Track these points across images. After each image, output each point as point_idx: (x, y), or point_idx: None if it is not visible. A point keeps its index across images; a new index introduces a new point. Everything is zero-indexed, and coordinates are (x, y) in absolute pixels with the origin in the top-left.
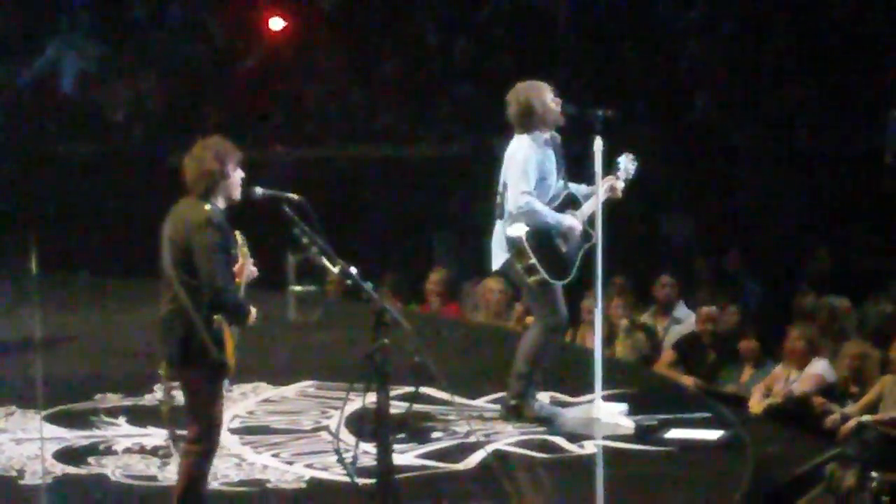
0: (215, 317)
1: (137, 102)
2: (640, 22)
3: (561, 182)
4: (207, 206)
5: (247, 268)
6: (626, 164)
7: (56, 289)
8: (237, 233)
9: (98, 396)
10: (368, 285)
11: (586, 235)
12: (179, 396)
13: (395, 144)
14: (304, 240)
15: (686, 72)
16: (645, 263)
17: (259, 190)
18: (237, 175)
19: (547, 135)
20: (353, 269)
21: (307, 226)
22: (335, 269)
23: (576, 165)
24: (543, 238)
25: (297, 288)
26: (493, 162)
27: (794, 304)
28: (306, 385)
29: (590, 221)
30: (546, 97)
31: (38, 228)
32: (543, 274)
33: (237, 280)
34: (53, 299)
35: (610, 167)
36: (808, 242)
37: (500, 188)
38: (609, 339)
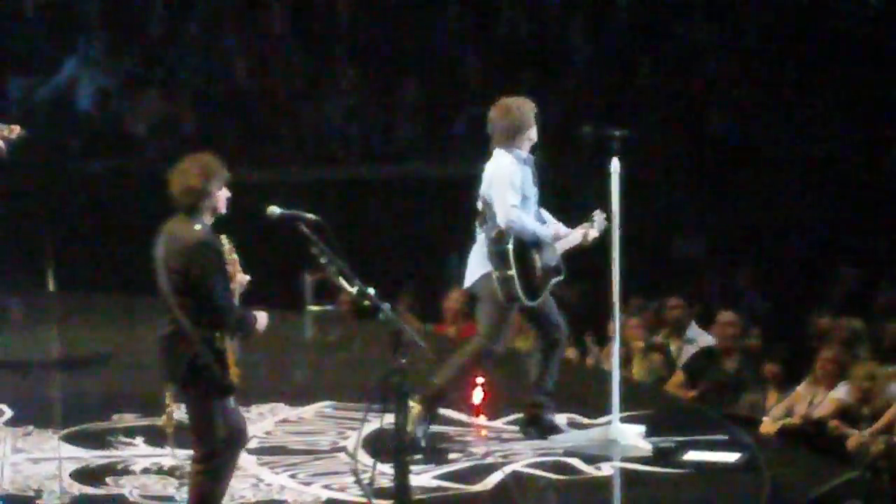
0: (216, 335)
1: (161, 119)
2: (655, 40)
3: (536, 207)
4: (198, 226)
5: (238, 275)
6: (600, 220)
7: (73, 307)
8: (224, 237)
9: (115, 416)
10: (386, 305)
11: (558, 270)
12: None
13: (413, 164)
14: (322, 259)
15: (702, 90)
16: (661, 285)
17: (276, 210)
18: (223, 193)
19: (526, 154)
20: (371, 289)
21: (324, 245)
22: (352, 289)
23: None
24: (525, 255)
25: (315, 308)
26: None
27: (810, 324)
28: (324, 405)
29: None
30: (533, 115)
31: (55, 246)
32: (517, 289)
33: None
34: (71, 318)
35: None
36: (827, 262)
37: (480, 205)
38: (625, 362)
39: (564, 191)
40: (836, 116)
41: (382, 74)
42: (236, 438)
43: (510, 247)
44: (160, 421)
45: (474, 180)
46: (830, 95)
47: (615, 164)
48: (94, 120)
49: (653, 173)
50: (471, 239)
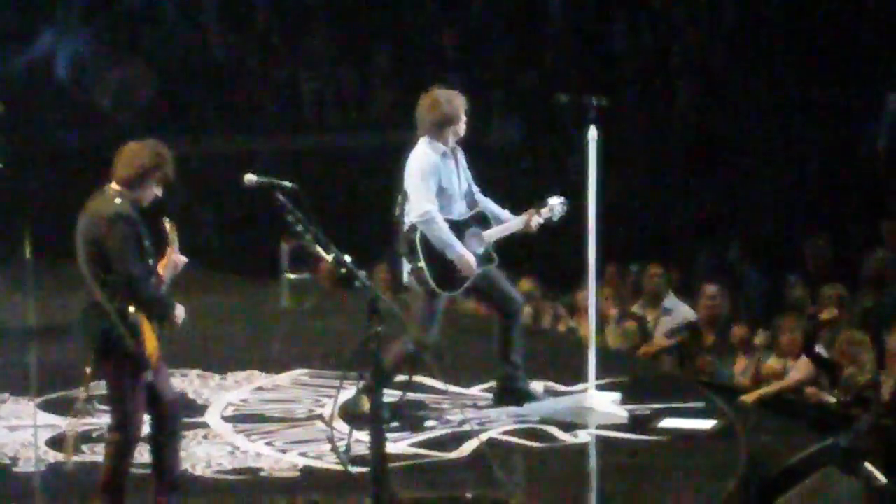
0: (130, 309)
1: (126, 91)
2: (633, 9)
3: (472, 196)
4: (118, 200)
5: (172, 257)
6: (556, 205)
7: (49, 275)
8: (166, 220)
9: (92, 384)
10: (362, 273)
11: (488, 258)
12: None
13: (388, 132)
14: (298, 227)
15: (679, 59)
16: (636, 253)
17: (253, 177)
18: (156, 190)
19: (447, 147)
20: (347, 257)
21: (301, 213)
22: (329, 257)
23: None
24: (434, 246)
25: (291, 275)
26: (480, 151)
27: (785, 294)
28: (300, 373)
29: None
30: (463, 111)
31: (31, 214)
32: (429, 280)
33: (160, 271)
34: (47, 285)
35: (605, 158)
36: (804, 232)
37: (401, 197)
38: (600, 329)
39: (541, 160)
40: (813, 92)
41: (358, 42)
42: (165, 408)
43: (417, 238)
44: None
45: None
46: (809, 71)
47: (592, 132)
48: (69, 91)
49: (631, 142)
50: None
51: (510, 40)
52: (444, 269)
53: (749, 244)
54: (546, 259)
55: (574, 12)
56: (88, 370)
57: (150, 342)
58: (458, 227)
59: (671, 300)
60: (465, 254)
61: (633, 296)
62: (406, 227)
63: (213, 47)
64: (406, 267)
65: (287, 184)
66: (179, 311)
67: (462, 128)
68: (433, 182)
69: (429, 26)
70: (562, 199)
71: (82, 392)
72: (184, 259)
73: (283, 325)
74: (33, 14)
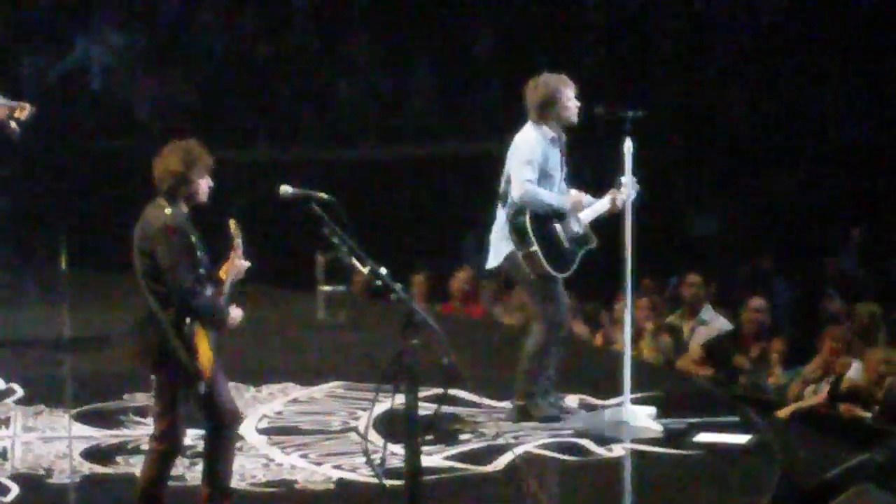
0: (186, 321)
1: (164, 99)
2: (671, 19)
3: (564, 185)
4: (168, 210)
5: (234, 262)
6: (629, 182)
7: (86, 286)
8: (232, 221)
9: (126, 395)
10: (398, 286)
11: (586, 239)
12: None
13: (426, 143)
14: (334, 239)
15: (716, 71)
16: (673, 265)
17: (288, 189)
18: (204, 182)
19: (555, 133)
20: (383, 270)
21: (336, 225)
22: (364, 269)
23: (604, 167)
24: (544, 227)
25: (326, 288)
26: None
27: (820, 307)
28: (335, 385)
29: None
30: (570, 93)
31: (67, 226)
32: (543, 263)
33: (222, 276)
34: (83, 297)
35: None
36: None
37: (503, 180)
38: (635, 342)
39: (578, 172)
40: (853, 97)
41: (397, 53)
42: (223, 419)
43: (527, 222)
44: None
45: (488, 159)
46: (847, 75)
47: (628, 145)
48: (105, 99)
49: (668, 153)
50: (485, 219)
51: (548, 50)
52: (554, 250)
53: (782, 257)
54: (582, 271)
55: (611, 21)
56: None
57: (205, 354)
58: (559, 211)
59: (708, 311)
60: (575, 199)
61: (670, 309)
62: (511, 213)
63: (251, 56)
64: (497, 256)
65: (323, 195)
66: (236, 314)
67: (568, 111)
68: (536, 164)
69: (466, 36)
70: (633, 178)
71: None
72: (246, 263)
73: (318, 337)
74: (69, 22)
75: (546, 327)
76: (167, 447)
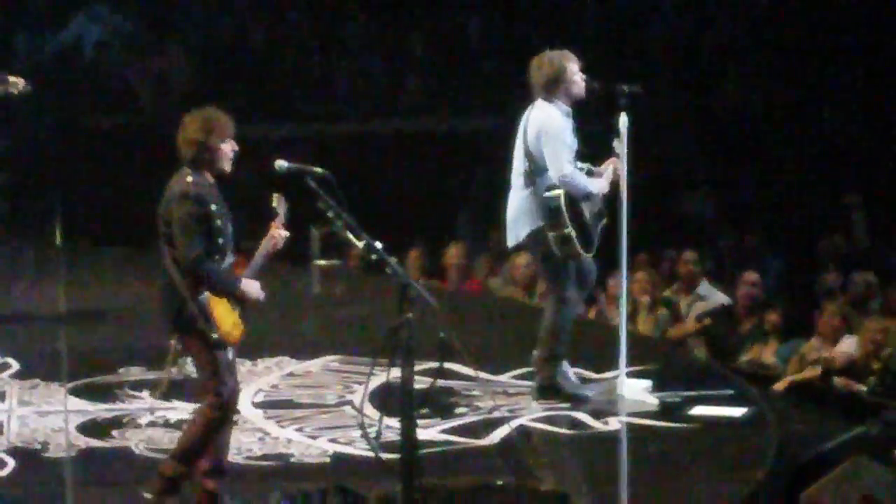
0: (200, 288)
1: (164, 78)
2: None
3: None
4: (189, 178)
5: (272, 231)
6: (621, 150)
7: (80, 261)
8: (274, 195)
9: (122, 370)
10: (393, 260)
11: (602, 214)
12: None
13: (419, 119)
14: (329, 213)
15: (712, 47)
16: (667, 240)
17: (283, 163)
18: (227, 147)
19: (567, 107)
20: (378, 244)
21: (331, 199)
22: (360, 244)
23: (600, 141)
24: (577, 209)
25: (321, 262)
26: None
27: (818, 280)
28: (330, 359)
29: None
30: (576, 68)
31: (61, 200)
32: (576, 245)
33: (265, 247)
34: (78, 271)
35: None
36: (833, 219)
37: (523, 157)
38: (631, 316)
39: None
40: (845, 81)
41: (390, 30)
42: (221, 394)
43: (562, 204)
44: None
45: (481, 135)
46: (839, 60)
47: (624, 120)
48: (100, 75)
49: (662, 130)
50: (479, 194)
51: (544, 28)
52: (582, 231)
53: (773, 232)
54: None
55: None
56: (173, 344)
57: (226, 320)
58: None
59: (705, 286)
60: (602, 185)
61: (666, 282)
62: (545, 193)
63: (247, 35)
64: (518, 235)
65: (318, 170)
66: (250, 287)
67: (576, 86)
68: (568, 143)
69: (461, 14)
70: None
71: (168, 365)
72: (285, 233)
73: (313, 311)
74: None
75: (561, 305)
76: (220, 415)
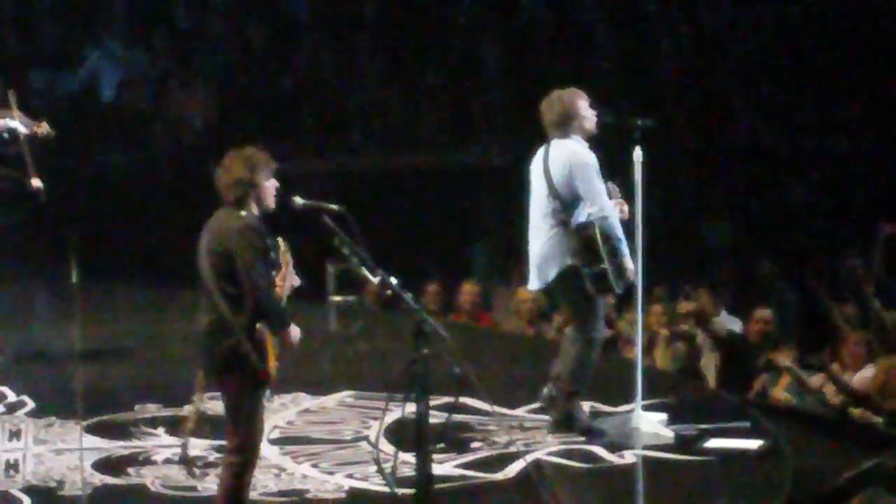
0: (258, 325)
1: (182, 115)
2: (678, 29)
3: None
4: (244, 213)
5: (289, 276)
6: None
7: (96, 299)
8: (280, 240)
9: (138, 407)
10: (408, 296)
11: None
12: (213, 407)
13: (435, 154)
14: (345, 250)
15: (725, 80)
16: (684, 273)
17: (299, 200)
18: (270, 184)
19: (586, 143)
20: (394, 280)
21: (347, 236)
22: (375, 280)
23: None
24: (610, 245)
25: (337, 298)
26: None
27: (832, 313)
28: (346, 395)
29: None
30: (586, 104)
31: (78, 238)
32: (611, 280)
33: (279, 288)
34: (94, 309)
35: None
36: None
37: (547, 196)
38: (648, 349)
39: None
40: (857, 106)
41: (405, 64)
42: (250, 437)
43: (598, 237)
44: (184, 411)
45: (495, 170)
46: (851, 84)
47: (638, 154)
48: (116, 113)
49: (677, 162)
50: (494, 228)
51: (556, 61)
52: (614, 267)
53: (785, 262)
54: None
55: (619, 31)
56: (198, 387)
57: (272, 359)
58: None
59: (724, 317)
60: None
61: (683, 316)
62: (580, 231)
63: (262, 69)
64: (544, 276)
65: (333, 206)
66: (295, 332)
67: (589, 122)
68: (600, 177)
69: (473, 46)
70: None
71: (196, 400)
72: (298, 280)
73: (329, 347)
74: (80, 36)
75: (587, 346)
76: (244, 459)
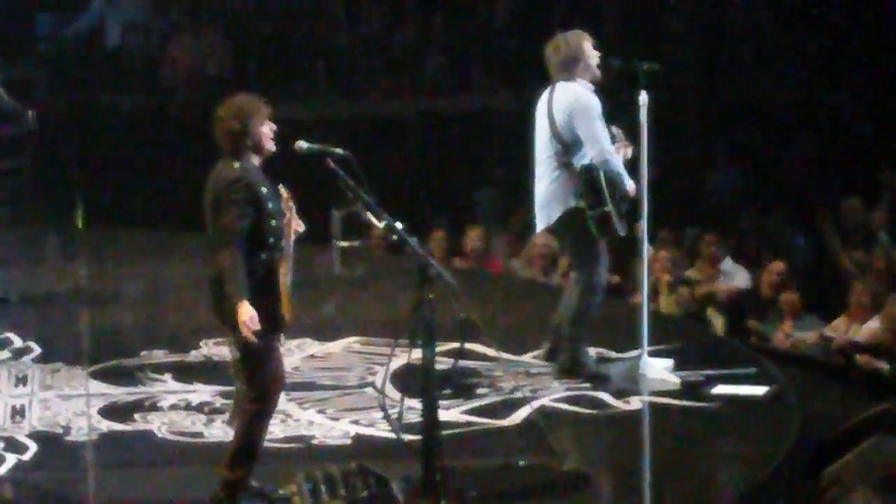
0: (271, 268)
1: (191, 57)
2: None
3: None
4: (237, 164)
5: (293, 222)
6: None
7: (101, 243)
8: (281, 187)
9: (144, 353)
10: (413, 240)
11: (628, 194)
12: (220, 353)
13: (439, 98)
14: (349, 194)
15: (732, 25)
16: (690, 218)
17: (304, 144)
18: (266, 129)
19: (592, 85)
20: (399, 224)
21: (352, 180)
22: (380, 224)
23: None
24: (613, 188)
25: (342, 243)
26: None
27: (841, 257)
28: (352, 341)
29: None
30: (591, 46)
31: (83, 183)
32: (614, 223)
33: (287, 235)
34: (99, 254)
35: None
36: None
37: (550, 139)
38: (653, 295)
39: None
40: (861, 63)
41: (411, 10)
42: (281, 378)
43: (602, 179)
44: (191, 357)
45: (501, 116)
46: (857, 43)
47: (643, 98)
48: (122, 56)
49: (685, 108)
50: (497, 174)
51: (564, 6)
52: (617, 209)
53: (794, 210)
54: None
55: None
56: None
57: (286, 303)
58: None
59: (728, 263)
60: (632, 185)
61: (688, 262)
62: (584, 173)
63: (269, 14)
64: (548, 218)
65: (338, 150)
66: (247, 312)
67: (594, 66)
68: (603, 121)
69: None
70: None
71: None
72: (302, 225)
73: (334, 292)
74: None
75: (588, 290)
76: (259, 407)
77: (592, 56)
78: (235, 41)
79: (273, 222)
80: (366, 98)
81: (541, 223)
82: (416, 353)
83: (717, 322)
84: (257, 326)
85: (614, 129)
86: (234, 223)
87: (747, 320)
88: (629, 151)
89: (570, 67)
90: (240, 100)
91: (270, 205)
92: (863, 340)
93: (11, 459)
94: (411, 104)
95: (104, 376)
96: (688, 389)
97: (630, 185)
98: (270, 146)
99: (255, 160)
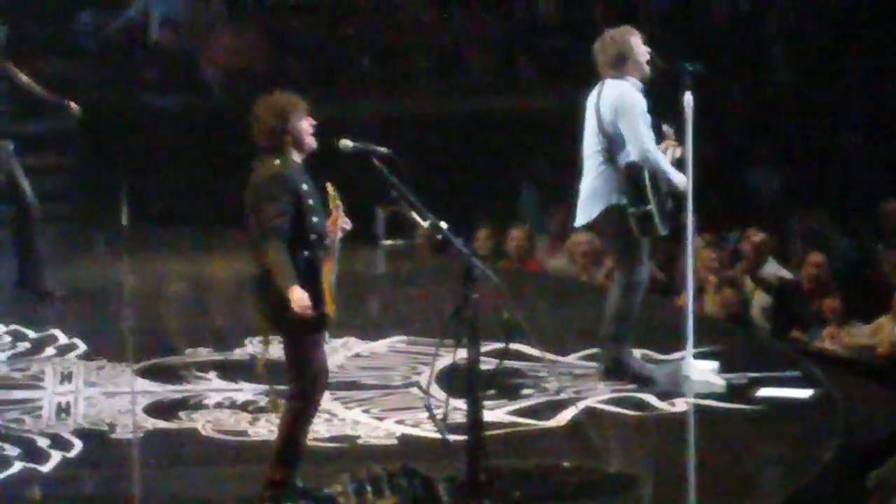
0: (315, 267)
1: (231, 56)
2: None
3: None
4: (276, 162)
5: (340, 220)
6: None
7: (147, 241)
8: (329, 185)
9: (189, 351)
10: (458, 240)
11: (670, 195)
12: (275, 352)
13: (484, 98)
14: (394, 193)
15: (775, 26)
16: (733, 219)
17: (349, 143)
18: (305, 125)
19: (640, 83)
20: (443, 223)
21: (397, 179)
22: (425, 224)
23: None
24: (657, 187)
25: (388, 242)
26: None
27: (882, 259)
28: (396, 340)
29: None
30: (639, 42)
31: (129, 180)
32: (656, 222)
33: (330, 233)
34: (144, 252)
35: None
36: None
37: (597, 135)
38: (698, 294)
39: None
40: None
41: (456, 7)
42: (325, 375)
43: (646, 179)
44: (235, 355)
45: (545, 115)
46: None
47: (688, 99)
48: (165, 54)
49: (727, 108)
50: (541, 174)
51: (609, 6)
52: (662, 208)
53: (839, 212)
54: None
55: None
56: (263, 337)
57: (329, 301)
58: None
59: (772, 264)
60: (682, 179)
61: (731, 262)
62: (628, 171)
63: (310, 12)
64: (589, 213)
65: (383, 149)
66: (301, 296)
67: (643, 62)
68: (647, 118)
69: None
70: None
71: (261, 358)
72: (349, 223)
73: (379, 291)
74: None
75: (629, 289)
76: (303, 405)
77: (641, 52)
78: (277, 40)
79: (314, 219)
80: (410, 97)
81: (581, 218)
82: (461, 353)
83: (761, 318)
84: (309, 305)
85: (665, 128)
86: (274, 219)
87: (790, 330)
88: (678, 151)
89: (619, 65)
90: (276, 96)
91: (311, 201)
92: None
93: (57, 456)
94: (456, 103)
95: (149, 374)
96: (732, 392)
97: (680, 178)
98: (311, 142)
99: (297, 157)
